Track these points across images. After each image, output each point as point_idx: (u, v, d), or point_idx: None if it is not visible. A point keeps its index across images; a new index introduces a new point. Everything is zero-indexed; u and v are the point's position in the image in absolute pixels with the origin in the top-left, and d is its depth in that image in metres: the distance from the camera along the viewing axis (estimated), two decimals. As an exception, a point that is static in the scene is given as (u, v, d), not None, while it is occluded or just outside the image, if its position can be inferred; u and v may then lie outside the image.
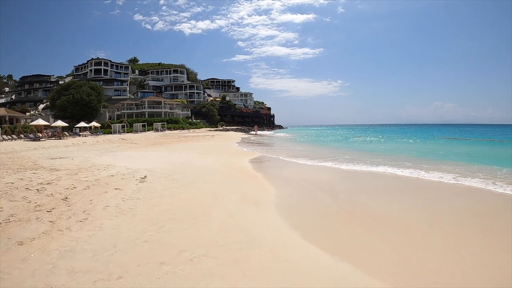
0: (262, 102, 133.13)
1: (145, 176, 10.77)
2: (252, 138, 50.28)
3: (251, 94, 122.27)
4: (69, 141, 31.49)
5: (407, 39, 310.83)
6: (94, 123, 52.15)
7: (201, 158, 18.05)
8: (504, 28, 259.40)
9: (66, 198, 7.62)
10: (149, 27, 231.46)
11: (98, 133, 50.28)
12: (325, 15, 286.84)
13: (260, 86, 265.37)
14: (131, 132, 57.19)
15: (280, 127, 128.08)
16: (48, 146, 24.60)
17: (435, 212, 8.04)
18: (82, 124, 49.67)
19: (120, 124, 58.46)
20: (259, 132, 76.22)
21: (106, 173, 11.25)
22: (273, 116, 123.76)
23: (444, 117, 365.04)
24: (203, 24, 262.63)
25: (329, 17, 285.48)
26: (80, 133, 46.75)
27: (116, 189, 8.78)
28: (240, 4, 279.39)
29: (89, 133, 48.44)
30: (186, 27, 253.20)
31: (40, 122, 41.58)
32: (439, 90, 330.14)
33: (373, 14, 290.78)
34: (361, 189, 11.14)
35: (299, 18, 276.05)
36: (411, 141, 41.34)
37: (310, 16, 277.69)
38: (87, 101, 60.85)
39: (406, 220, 7.33)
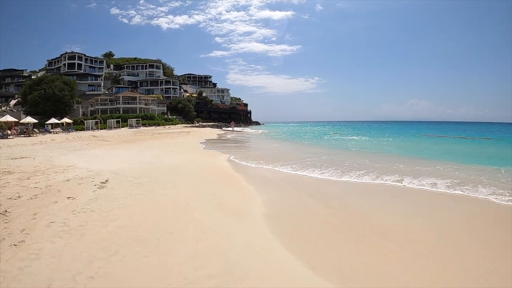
0: (239, 98, 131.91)
1: (107, 180, 9.51)
2: (228, 136, 49.13)
3: (228, 90, 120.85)
4: (37, 139, 29.36)
5: (385, 38, 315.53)
6: (65, 120, 49.70)
7: (174, 157, 16.78)
8: (481, 27, 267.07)
9: (6, 211, 6.32)
10: (126, 21, 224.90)
11: (70, 129, 48.02)
12: (304, 13, 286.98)
13: (237, 82, 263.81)
14: (105, 128, 54.93)
15: (257, 123, 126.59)
16: (14, 145, 22.71)
17: (443, 221, 7.04)
18: (53, 120, 47.10)
19: (94, 121, 56.10)
20: (236, 129, 74.50)
21: (62, 176, 9.90)
22: (250, 112, 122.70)
23: (419, 114, 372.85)
24: (181, 19, 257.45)
25: (308, 15, 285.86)
26: (51, 130, 44.33)
27: (68, 198, 7.50)
28: (219, 0, 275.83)
29: (61, 130, 46.10)
30: (163, 22, 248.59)
31: (8, 118, 38.97)
32: (415, 88, 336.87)
33: (351, 13, 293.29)
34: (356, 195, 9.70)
35: (277, 14, 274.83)
36: (390, 139, 40.74)
37: (289, 13, 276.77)
38: (60, 96, 58.01)
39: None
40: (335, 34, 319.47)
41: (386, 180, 11.37)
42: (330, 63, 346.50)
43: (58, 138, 31.15)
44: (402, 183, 10.90)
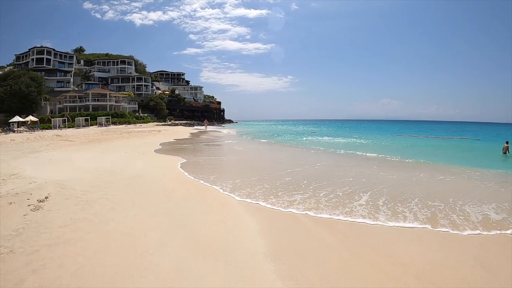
0: (212, 96, 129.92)
1: (47, 197, 7.84)
2: (202, 136, 48.26)
3: (201, 87, 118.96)
4: (-4, 139, 28.12)
5: (358, 37, 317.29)
6: (30, 117, 47.39)
7: (138, 162, 15.33)
8: (454, 28, 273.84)
9: None
10: (98, 16, 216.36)
11: (35, 128, 46.15)
12: (279, 11, 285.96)
13: (210, 80, 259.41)
14: (73, 127, 52.66)
15: (230, 121, 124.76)
16: (-35, 146, 21.40)
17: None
18: (18, 118, 44.40)
19: (61, 119, 53.38)
20: (209, 127, 71.64)
21: (-6, 192, 7.99)
22: (223, 110, 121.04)
23: (391, 113, 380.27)
24: (155, 15, 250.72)
25: (283, 13, 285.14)
26: (16, 129, 42.33)
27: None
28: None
29: (26, 129, 44.18)
30: (137, 18, 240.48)
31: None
32: (387, 87, 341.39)
33: (325, 13, 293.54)
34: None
35: (252, 13, 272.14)
36: (366, 140, 41.03)
37: (264, 12, 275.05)
38: (26, 93, 54.97)
39: None
40: (309, 34, 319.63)
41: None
42: (303, 62, 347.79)
43: (19, 138, 28.98)
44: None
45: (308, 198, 9.37)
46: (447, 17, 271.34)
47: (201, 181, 11.36)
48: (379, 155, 21.08)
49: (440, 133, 55.45)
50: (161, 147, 24.84)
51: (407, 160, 18.71)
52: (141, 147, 22.80)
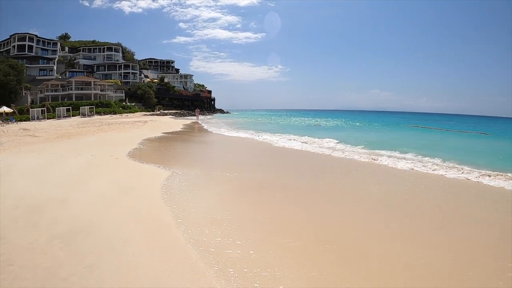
0: (203, 85, 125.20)
1: None
2: (196, 126, 44.15)
3: (191, 76, 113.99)
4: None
5: (348, 27, 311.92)
6: (4, 108, 43.12)
7: (101, 178, 11.10)
8: (447, 21, 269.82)
9: None
10: (86, 4, 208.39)
11: (10, 120, 41.81)
12: (270, 0, 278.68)
13: (200, 69, 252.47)
14: (53, 118, 48.21)
15: (221, 111, 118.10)
16: None
17: None
18: None
19: (40, 109, 48.83)
20: (200, 117, 65.31)
21: None
22: (214, 99, 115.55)
23: (380, 104, 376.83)
24: (144, 3, 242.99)
25: (274, 3, 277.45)
26: (-11, 122, 38.01)
27: None
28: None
29: (0, 121, 39.85)
30: (126, 5, 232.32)
31: None
32: (376, 78, 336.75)
33: (317, 2, 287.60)
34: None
35: (243, 1, 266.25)
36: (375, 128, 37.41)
37: (255, 0, 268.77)
38: (4, 82, 50.38)
39: None
40: (299, 23, 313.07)
41: None
42: (293, 52, 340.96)
43: (-20, 133, 25.34)
44: None
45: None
46: (437, 7, 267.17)
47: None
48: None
49: (443, 126, 52.00)
50: (140, 146, 19.30)
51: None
52: (117, 146, 18.83)
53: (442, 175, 12.68)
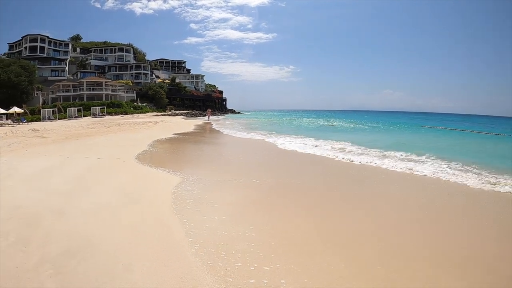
0: (214, 85, 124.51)
1: None
2: (208, 126, 43.02)
3: (202, 76, 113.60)
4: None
5: (360, 27, 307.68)
6: (15, 109, 42.82)
7: (106, 184, 10.11)
8: (462, 23, 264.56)
9: None
10: (98, 5, 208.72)
11: (21, 120, 41.53)
12: (281, 0, 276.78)
13: (211, 70, 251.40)
14: (64, 118, 48.24)
15: (232, 111, 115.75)
16: None
17: None
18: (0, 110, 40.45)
19: (51, 109, 48.58)
20: (212, 117, 62.75)
21: None
22: (225, 99, 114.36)
23: (390, 104, 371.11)
24: (155, 4, 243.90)
25: (285, 3, 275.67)
26: (1, 122, 37.65)
27: None
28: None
29: (11, 122, 39.46)
30: (137, 7, 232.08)
31: None
32: (388, 78, 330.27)
33: (328, 2, 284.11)
34: None
35: (254, 1, 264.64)
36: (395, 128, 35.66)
37: (265, 0, 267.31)
38: (16, 82, 50.64)
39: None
40: (310, 23, 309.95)
41: None
42: (305, 52, 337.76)
43: (-11, 133, 24.79)
44: None
45: None
46: (452, 11, 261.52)
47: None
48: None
49: (458, 126, 49.86)
50: (150, 148, 18.05)
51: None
52: (126, 148, 17.90)
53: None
